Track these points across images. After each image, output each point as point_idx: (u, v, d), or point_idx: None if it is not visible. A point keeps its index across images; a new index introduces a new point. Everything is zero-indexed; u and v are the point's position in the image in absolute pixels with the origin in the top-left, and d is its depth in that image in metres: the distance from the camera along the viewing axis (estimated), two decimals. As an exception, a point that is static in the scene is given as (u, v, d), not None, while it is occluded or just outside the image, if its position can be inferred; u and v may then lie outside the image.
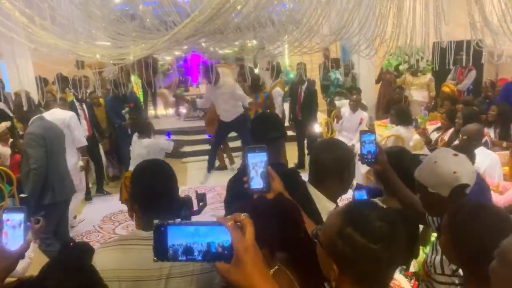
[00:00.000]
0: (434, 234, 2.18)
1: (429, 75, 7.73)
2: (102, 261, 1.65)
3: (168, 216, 1.78)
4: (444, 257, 1.77)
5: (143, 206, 1.78)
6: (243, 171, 2.28)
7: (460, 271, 1.72)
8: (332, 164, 1.95)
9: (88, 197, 6.82)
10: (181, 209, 2.24)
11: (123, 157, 7.36)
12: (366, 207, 1.25)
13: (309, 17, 3.70)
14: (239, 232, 0.94)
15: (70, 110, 5.87)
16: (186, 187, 6.83)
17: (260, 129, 2.38)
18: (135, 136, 5.12)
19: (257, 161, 1.52)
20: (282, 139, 2.38)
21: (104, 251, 1.73)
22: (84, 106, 6.57)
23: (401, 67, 7.73)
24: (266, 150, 1.53)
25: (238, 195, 1.99)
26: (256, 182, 1.53)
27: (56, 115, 5.30)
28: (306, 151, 7.90)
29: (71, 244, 1.70)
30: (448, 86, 7.26)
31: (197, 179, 7.73)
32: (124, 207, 5.76)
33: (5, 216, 1.52)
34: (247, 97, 6.07)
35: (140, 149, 4.90)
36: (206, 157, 8.94)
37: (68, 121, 5.37)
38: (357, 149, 6.56)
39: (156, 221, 0.92)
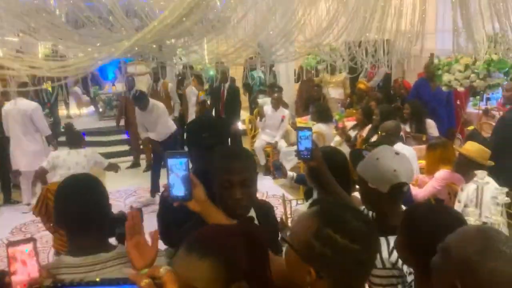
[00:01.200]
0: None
1: (344, 73, 8.09)
2: None
3: (101, 237, 1.65)
4: (382, 250, 1.81)
5: (72, 228, 1.59)
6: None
7: (399, 264, 1.80)
8: None
9: (-9, 207, 6.20)
10: (115, 227, 2.07)
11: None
12: (339, 207, 1.23)
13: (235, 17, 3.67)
14: None
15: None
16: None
17: (195, 135, 2.22)
18: (66, 150, 4.74)
19: (178, 167, 1.43)
20: (221, 144, 2.22)
21: None
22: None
23: (319, 66, 8.00)
24: (187, 155, 1.44)
25: (173, 211, 1.86)
26: (178, 189, 1.44)
27: (18, 105, 5.65)
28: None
29: None
30: (363, 83, 7.66)
31: (116, 181, 7.36)
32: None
33: None
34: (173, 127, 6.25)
35: (79, 157, 4.58)
36: (126, 158, 8.62)
37: (30, 113, 5.72)
38: (280, 146, 6.77)
39: (47, 283, 0.77)
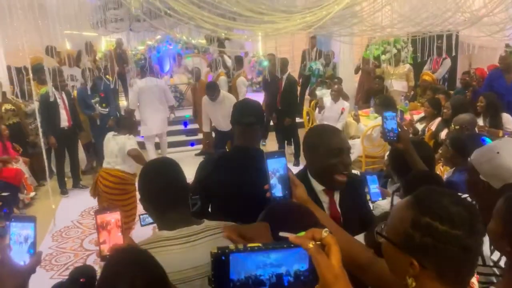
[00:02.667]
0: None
1: (408, 65, 7.82)
2: None
3: (187, 212, 1.78)
4: (484, 248, 1.71)
5: (162, 205, 1.70)
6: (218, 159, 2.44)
7: (502, 262, 1.69)
8: None
9: (64, 191, 6.53)
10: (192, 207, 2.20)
11: (98, 150, 7.18)
12: (435, 193, 1.15)
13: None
14: (324, 257, 0.78)
15: (45, 99, 5.67)
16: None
17: (237, 113, 2.43)
18: (110, 133, 4.77)
19: (277, 167, 1.44)
20: (257, 125, 2.40)
21: None
22: (64, 95, 6.27)
23: (383, 57, 7.77)
24: (285, 154, 1.47)
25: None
26: (278, 190, 1.45)
27: (152, 81, 7.11)
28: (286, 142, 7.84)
29: (81, 279, 1.55)
30: (429, 75, 7.36)
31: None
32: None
33: (13, 226, 1.30)
34: None
35: (113, 144, 4.57)
36: (183, 147, 8.83)
37: (164, 87, 7.48)
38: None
39: (214, 250, 0.75)
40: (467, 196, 1.95)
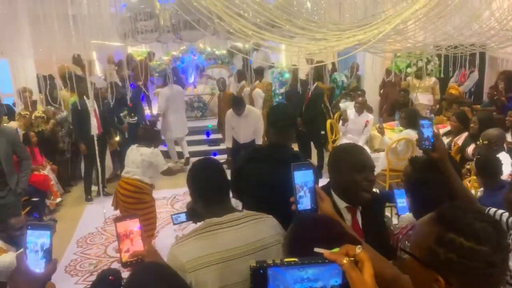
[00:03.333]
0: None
1: (433, 78, 7.73)
2: (186, 253, 1.73)
3: (230, 202, 2.00)
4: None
5: (213, 198, 1.91)
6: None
7: None
8: None
9: (88, 198, 6.65)
10: None
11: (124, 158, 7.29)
12: (459, 209, 1.15)
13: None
14: (358, 272, 0.81)
15: (76, 108, 5.83)
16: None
17: (273, 117, 2.74)
18: (134, 145, 4.80)
19: (304, 181, 1.44)
20: (290, 127, 2.77)
21: (185, 244, 1.78)
22: (95, 103, 6.42)
23: (409, 70, 7.69)
24: (313, 166, 1.47)
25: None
26: (304, 203, 1.45)
27: (175, 88, 8.04)
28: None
29: (110, 277, 1.60)
30: (456, 89, 7.25)
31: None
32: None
33: (29, 234, 1.30)
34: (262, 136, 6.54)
35: (136, 155, 4.59)
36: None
37: (184, 94, 8.66)
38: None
39: (252, 263, 0.78)
40: (504, 212, 1.91)
